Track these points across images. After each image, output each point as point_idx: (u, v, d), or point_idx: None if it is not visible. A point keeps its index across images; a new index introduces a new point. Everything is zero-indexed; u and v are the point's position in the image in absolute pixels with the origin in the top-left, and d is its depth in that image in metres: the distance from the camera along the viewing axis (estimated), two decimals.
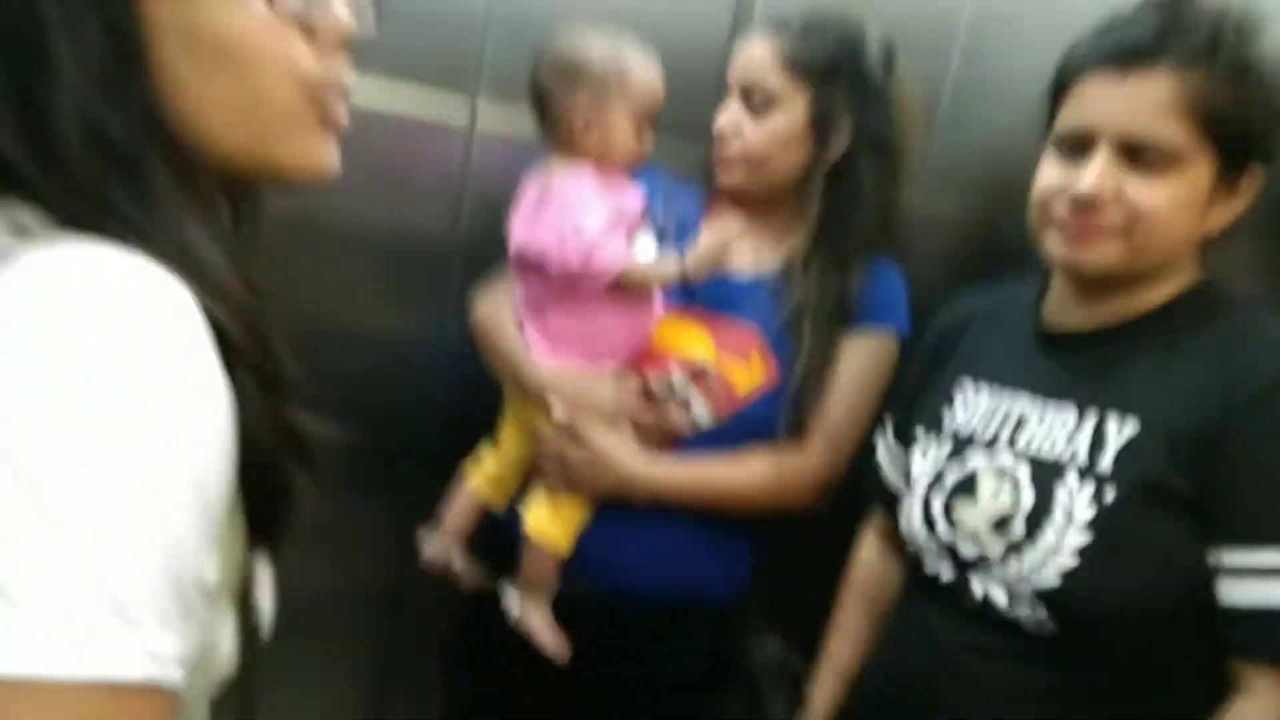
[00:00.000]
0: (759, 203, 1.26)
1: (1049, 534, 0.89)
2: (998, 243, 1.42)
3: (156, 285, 0.43)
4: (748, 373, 1.21)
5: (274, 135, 0.53)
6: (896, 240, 1.25)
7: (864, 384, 1.22)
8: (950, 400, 1.05)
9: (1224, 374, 0.85)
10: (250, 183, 0.56)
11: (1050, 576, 0.88)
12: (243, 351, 0.47)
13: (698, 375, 1.20)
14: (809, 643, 1.25)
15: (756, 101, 1.20)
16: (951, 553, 0.98)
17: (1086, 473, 0.89)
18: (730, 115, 1.22)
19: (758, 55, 1.20)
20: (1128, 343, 0.93)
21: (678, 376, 1.21)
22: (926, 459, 1.04)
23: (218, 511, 0.44)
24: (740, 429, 1.21)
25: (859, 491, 1.22)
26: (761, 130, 1.20)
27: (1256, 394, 0.83)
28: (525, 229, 1.22)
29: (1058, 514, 0.89)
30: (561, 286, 1.20)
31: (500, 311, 1.29)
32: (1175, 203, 0.86)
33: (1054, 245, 0.93)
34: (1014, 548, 0.91)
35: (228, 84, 0.50)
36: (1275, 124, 0.88)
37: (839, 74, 1.19)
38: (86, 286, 0.41)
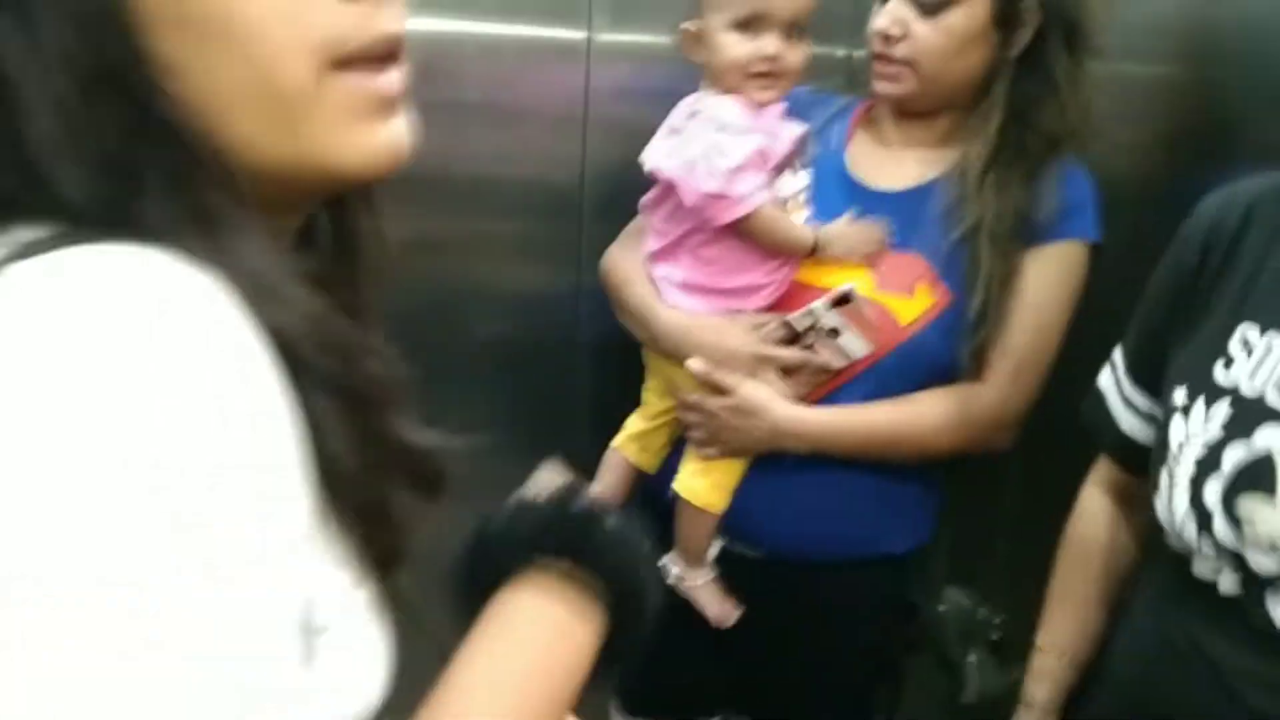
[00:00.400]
0: (924, 111, 1.11)
1: None
2: (1205, 116, 1.19)
3: (180, 284, 0.34)
4: (914, 306, 1.08)
5: (304, 124, 0.40)
6: (1087, 136, 1.07)
7: (1053, 305, 1.08)
8: (1225, 348, 0.81)
9: None
10: (315, 192, 0.45)
11: None
12: (314, 365, 0.38)
13: (843, 301, 1.07)
14: (1002, 595, 1.13)
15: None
16: (1237, 560, 0.76)
17: None
18: (894, 11, 1.06)
19: None
20: None
21: (820, 304, 1.07)
22: (1194, 425, 0.80)
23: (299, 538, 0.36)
24: (912, 368, 1.09)
25: (1052, 425, 1.06)
26: (937, 31, 1.04)
27: None
28: (661, 154, 1.13)
29: None
30: (694, 221, 1.11)
31: (628, 259, 1.21)
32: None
33: None
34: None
35: (232, 66, 0.38)
36: None
37: None
38: (87, 293, 0.32)
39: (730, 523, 1.15)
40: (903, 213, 1.11)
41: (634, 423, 1.24)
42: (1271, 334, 0.78)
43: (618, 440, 1.23)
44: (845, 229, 1.11)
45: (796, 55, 1.08)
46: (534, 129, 1.40)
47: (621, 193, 1.28)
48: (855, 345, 1.08)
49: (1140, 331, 0.94)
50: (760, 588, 1.15)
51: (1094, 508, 1.01)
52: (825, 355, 1.09)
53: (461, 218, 1.41)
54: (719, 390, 1.10)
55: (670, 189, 1.12)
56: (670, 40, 1.15)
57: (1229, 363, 0.80)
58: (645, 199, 1.18)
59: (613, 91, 1.41)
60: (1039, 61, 1.05)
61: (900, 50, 1.07)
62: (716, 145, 1.07)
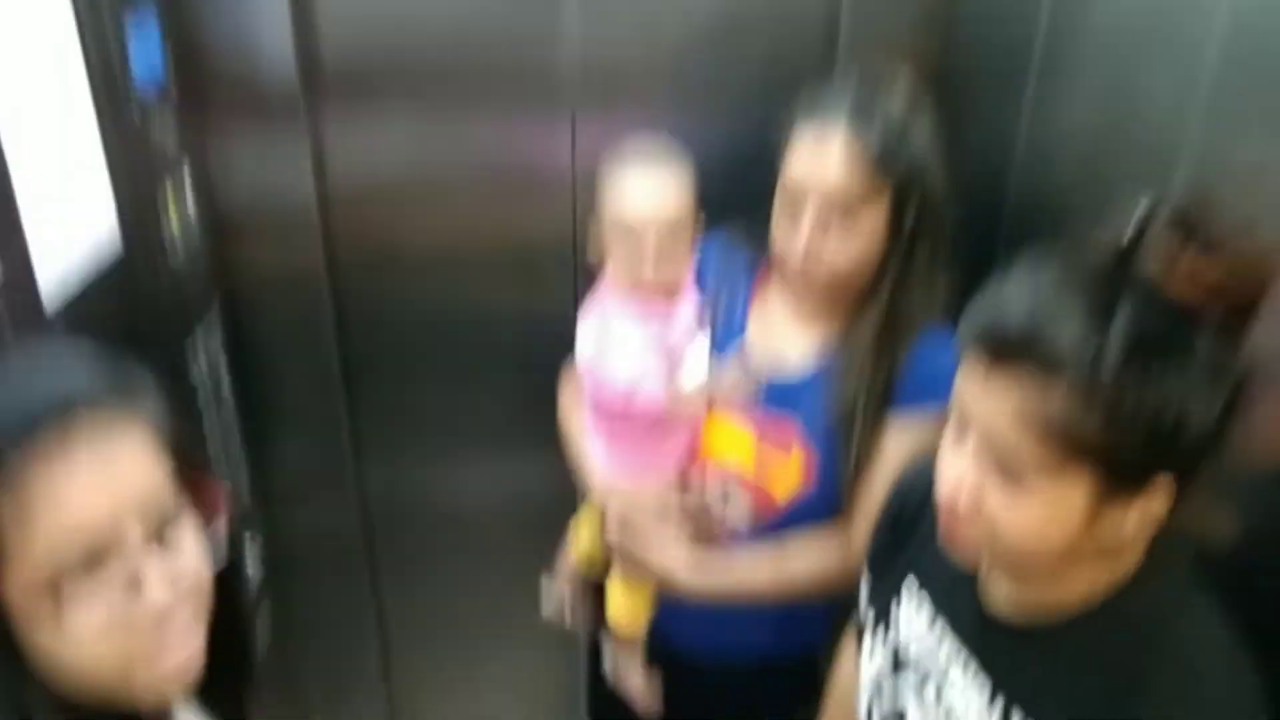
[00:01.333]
0: (824, 296, 1.20)
1: None
2: None
3: None
4: (787, 470, 1.21)
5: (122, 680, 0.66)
6: (948, 307, 1.17)
7: (889, 473, 1.15)
8: (899, 595, 0.96)
9: (1122, 706, 0.75)
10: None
11: None
12: None
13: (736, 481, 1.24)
14: None
15: (841, 211, 1.10)
16: None
17: None
18: (812, 235, 1.12)
19: (841, 160, 1.09)
20: (1048, 637, 0.82)
21: (722, 484, 1.24)
22: (873, 663, 0.99)
23: None
24: (788, 520, 1.23)
25: None
26: (849, 245, 1.12)
27: None
28: (584, 361, 1.27)
29: None
30: (614, 414, 1.25)
31: (574, 410, 1.38)
32: (1034, 520, 0.74)
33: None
34: None
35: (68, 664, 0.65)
36: (1172, 436, 0.70)
37: (914, 153, 1.11)
38: None
39: (656, 621, 1.32)
40: (790, 386, 1.21)
41: (583, 542, 1.37)
42: (925, 597, 0.93)
43: (573, 551, 1.39)
44: (727, 381, 1.22)
45: (673, 270, 1.19)
46: None
47: None
48: (738, 512, 1.26)
49: (877, 534, 1.05)
50: (682, 679, 1.35)
51: (847, 663, 1.16)
52: (714, 512, 1.25)
53: None
54: (632, 541, 1.26)
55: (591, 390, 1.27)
56: None
57: (899, 605, 0.96)
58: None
59: None
60: (914, 248, 1.14)
61: (821, 270, 1.14)
62: (616, 356, 1.20)
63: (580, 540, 1.38)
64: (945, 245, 1.16)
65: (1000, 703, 0.84)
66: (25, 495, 0.60)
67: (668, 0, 1.50)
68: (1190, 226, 0.70)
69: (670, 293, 1.21)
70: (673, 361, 1.21)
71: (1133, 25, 1.13)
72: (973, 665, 0.88)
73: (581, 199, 1.58)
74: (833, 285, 1.17)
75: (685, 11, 1.51)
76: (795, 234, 1.13)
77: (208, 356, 1.48)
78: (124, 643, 0.64)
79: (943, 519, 0.81)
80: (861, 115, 1.10)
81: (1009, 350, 0.71)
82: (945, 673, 0.90)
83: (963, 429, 0.77)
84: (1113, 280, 0.71)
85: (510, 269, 1.64)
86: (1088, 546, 0.75)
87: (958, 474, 0.77)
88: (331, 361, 1.66)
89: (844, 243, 1.12)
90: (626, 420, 1.23)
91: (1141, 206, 0.72)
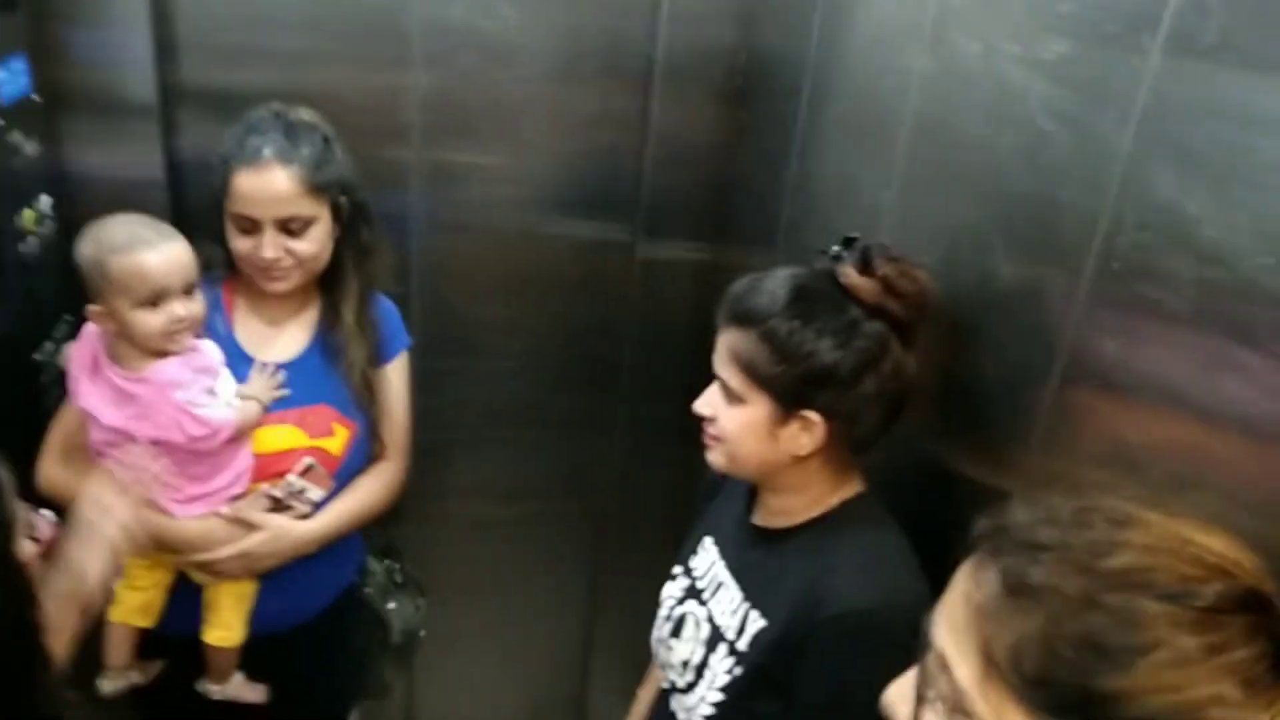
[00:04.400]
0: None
1: (701, 687, 1.14)
2: None
3: None
4: (337, 441, 1.48)
5: None
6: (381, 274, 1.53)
7: (407, 399, 1.58)
8: (697, 548, 1.26)
9: (815, 593, 1.03)
10: None
11: (701, 717, 1.14)
12: None
13: (306, 471, 1.45)
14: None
15: (296, 224, 1.36)
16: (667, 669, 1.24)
17: (731, 648, 1.11)
18: (276, 246, 1.36)
19: (284, 185, 1.34)
20: (779, 546, 1.12)
21: (293, 478, 1.44)
22: (668, 601, 1.27)
23: None
24: (349, 475, 1.52)
25: None
26: (309, 245, 1.38)
27: (825, 622, 1.00)
28: (124, 418, 1.31)
29: (708, 674, 1.13)
30: (184, 456, 1.34)
31: (100, 484, 1.27)
32: (743, 428, 1.07)
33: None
34: (682, 690, 1.19)
35: None
36: (815, 381, 1.03)
37: (337, 170, 1.40)
38: None
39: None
40: (301, 375, 1.46)
41: (130, 598, 1.42)
42: (712, 543, 1.24)
43: (117, 616, 1.42)
44: (257, 386, 1.41)
45: (198, 306, 1.32)
46: None
47: None
48: (315, 494, 1.47)
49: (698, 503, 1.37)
50: (271, 656, 1.52)
51: None
52: (300, 507, 1.45)
53: None
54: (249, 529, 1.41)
55: (126, 437, 1.30)
56: None
57: (696, 553, 1.26)
58: (96, 443, 1.34)
59: None
60: (359, 239, 1.46)
61: (289, 276, 1.39)
62: (188, 401, 1.30)
63: (129, 597, 1.42)
64: (375, 227, 1.48)
65: (741, 602, 1.12)
66: None
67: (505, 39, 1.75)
68: (868, 253, 1.06)
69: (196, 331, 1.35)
70: (214, 389, 1.35)
71: (855, 108, 1.44)
72: (730, 578, 1.16)
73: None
74: (303, 279, 1.43)
75: (527, 48, 1.76)
76: (260, 249, 1.36)
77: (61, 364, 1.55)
78: None
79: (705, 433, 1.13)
80: (290, 150, 1.36)
81: (728, 314, 1.09)
82: (715, 589, 1.18)
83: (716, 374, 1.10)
84: (806, 274, 1.08)
85: None
86: (780, 454, 1.08)
87: (708, 400, 1.12)
88: None
89: (306, 245, 1.39)
90: (196, 455, 1.35)
91: (842, 240, 1.09)
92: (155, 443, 1.31)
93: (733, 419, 1.08)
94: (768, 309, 1.04)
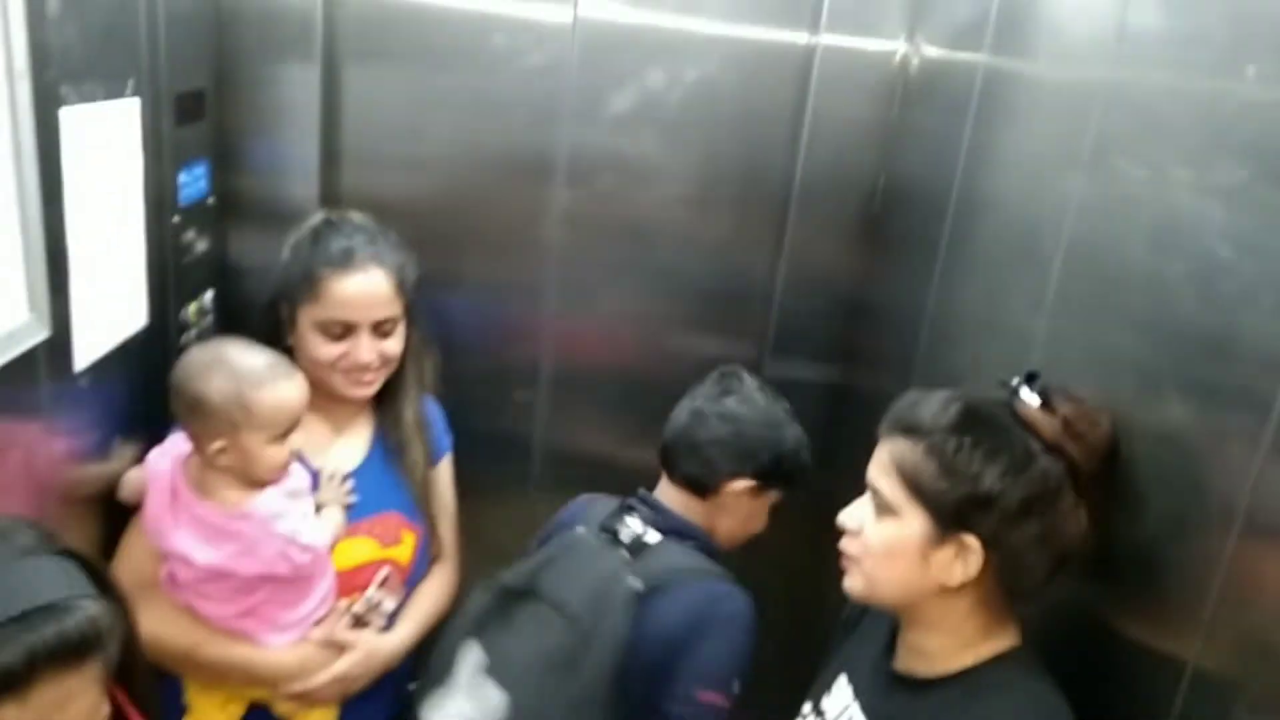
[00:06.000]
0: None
1: None
2: None
3: None
4: (406, 549, 1.46)
5: None
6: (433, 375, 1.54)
7: (454, 500, 1.58)
8: (830, 687, 1.17)
9: None
10: None
11: None
12: None
13: (383, 582, 1.43)
14: None
15: (389, 325, 1.40)
16: None
17: None
18: (370, 350, 1.37)
19: (386, 288, 1.37)
20: (923, 697, 1.02)
21: (371, 591, 1.41)
22: None
23: None
24: (414, 582, 1.51)
25: None
26: (398, 345, 1.42)
27: None
28: (223, 557, 1.24)
29: None
30: (279, 584, 1.30)
31: (179, 624, 1.28)
32: (892, 544, 0.99)
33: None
34: None
35: None
36: (980, 504, 0.95)
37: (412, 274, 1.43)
38: None
39: None
40: (366, 482, 1.42)
41: None
42: (849, 687, 1.14)
43: None
44: (329, 494, 1.38)
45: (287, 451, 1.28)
46: None
47: None
48: (390, 604, 1.45)
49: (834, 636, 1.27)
50: None
51: None
52: (377, 621, 1.42)
53: None
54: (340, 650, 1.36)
55: (224, 574, 1.25)
56: None
57: (830, 694, 1.15)
58: (182, 583, 1.27)
59: None
60: (418, 347, 1.47)
61: (376, 374, 1.41)
62: (293, 531, 1.25)
63: None
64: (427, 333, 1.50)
65: None
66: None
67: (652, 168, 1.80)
68: (1045, 393, 1.01)
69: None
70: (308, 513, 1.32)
71: (1003, 234, 1.39)
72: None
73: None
74: (383, 381, 1.43)
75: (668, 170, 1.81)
76: (356, 352, 1.37)
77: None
78: None
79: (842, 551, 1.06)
80: (381, 251, 1.39)
81: (894, 424, 1.02)
82: None
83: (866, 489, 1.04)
84: (982, 399, 1.02)
85: None
86: (928, 581, 0.99)
87: (855, 513, 1.05)
88: None
89: (395, 345, 1.41)
90: (291, 581, 1.30)
91: (1025, 375, 1.04)
92: (259, 578, 1.27)
93: (881, 533, 1.01)
94: (941, 423, 0.98)
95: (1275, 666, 0.80)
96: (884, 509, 1.01)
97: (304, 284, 1.35)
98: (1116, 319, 1.09)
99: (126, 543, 1.32)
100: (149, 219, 1.37)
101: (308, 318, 1.36)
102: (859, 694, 1.11)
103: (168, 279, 1.46)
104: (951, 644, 1.02)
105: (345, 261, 1.34)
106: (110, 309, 1.28)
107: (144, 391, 1.37)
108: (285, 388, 1.24)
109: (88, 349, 1.21)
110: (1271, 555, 0.84)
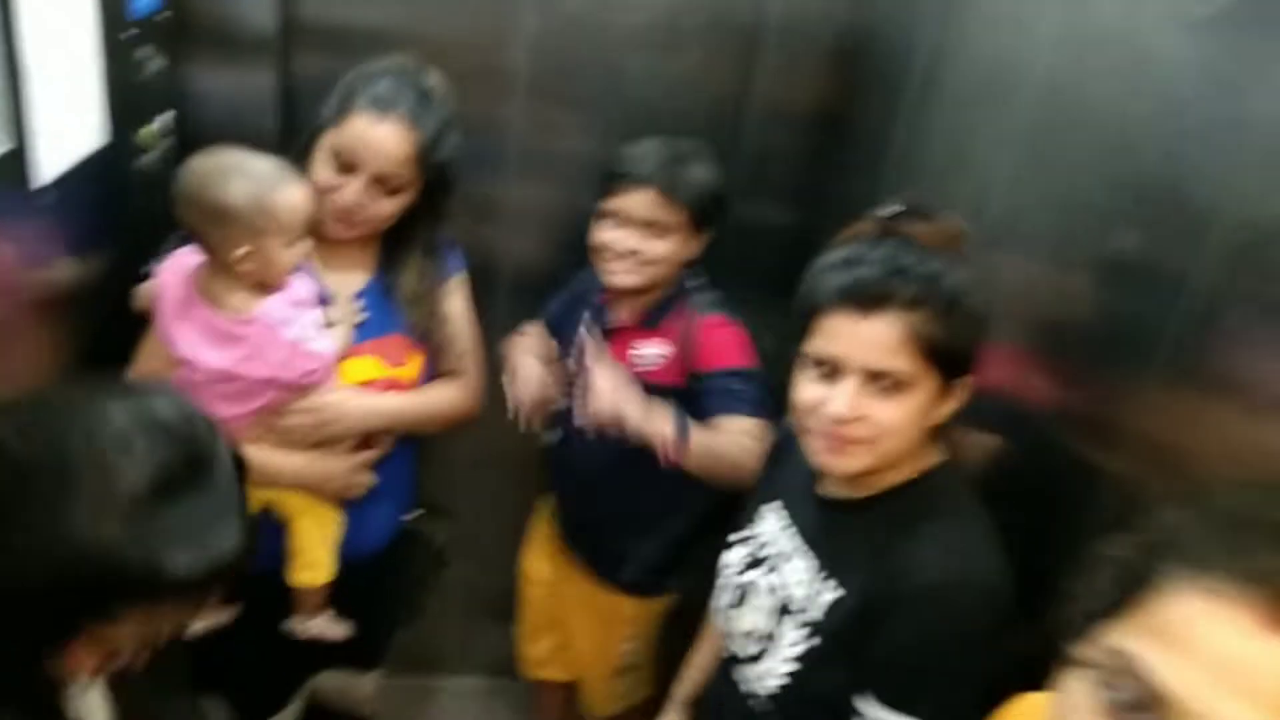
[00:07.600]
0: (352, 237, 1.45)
1: (769, 658, 1.11)
2: None
3: None
4: (411, 369, 1.49)
5: None
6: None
7: (470, 317, 1.58)
8: (761, 511, 1.23)
9: (898, 564, 1.00)
10: None
11: (770, 686, 1.11)
12: None
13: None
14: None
15: (390, 183, 1.39)
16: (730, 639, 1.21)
17: (804, 618, 1.07)
18: (357, 195, 1.37)
19: (399, 141, 1.36)
20: (859, 515, 1.07)
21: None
22: (731, 566, 1.24)
23: None
24: None
25: None
26: (392, 206, 1.41)
27: (908, 594, 0.98)
28: (230, 361, 1.29)
29: (777, 644, 1.10)
30: (289, 392, 1.35)
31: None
32: (909, 416, 1.00)
33: (813, 451, 1.05)
34: (745, 659, 1.16)
35: None
36: (979, 342, 1.03)
37: (448, 151, 1.41)
38: None
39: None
40: (371, 307, 1.45)
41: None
42: (779, 508, 1.19)
43: None
44: (340, 311, 1.41)
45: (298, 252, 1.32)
46: None
47: None
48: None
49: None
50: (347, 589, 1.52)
51: None
52: None
53: None
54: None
55: (232, 377, 1.30)
56: None
57: (760, 518, 1.22)
58: (193, 386, 1.30)
59: None
60: (437, 204, 1.47)
61: (357, 219, 1.40)
62: (299, 338, 1.31)
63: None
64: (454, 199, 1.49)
65: (816, 572, 1.09)
66: None
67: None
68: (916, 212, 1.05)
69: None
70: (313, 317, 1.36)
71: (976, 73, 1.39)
72: (804, 545, 1.13)
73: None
74: (363, 233, 1.44)
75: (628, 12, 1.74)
76: (343, 191, 1.37)
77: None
78: None
79: (827, 439, 1.03)
80: (420, 115, 1.36)
81: (876, 298, 0.98)
82: (786, 556, 1.14)
83: (833, 371, 1.01)
84: (907, 242, 1.02)
85: None
86: (919, 432, 1.02)
87: (842, 403, 1.00)
88: None
89: (387, 207, 1.40)
90: (294, 394, 1.35)
91: (892, 202, 1.07)
92: (265, 382, 1.32)
93: (896, 413, 0.99)
94: (940, 284, 0.98)
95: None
96: (894, 387, 0.98)
97: (339, 106, 1.37)
98: (1079, 158, 1.12)
99: (144, 347, 1.39)
100: (103, 30, 1.31)
101: (327, 140, 1.37)
102: (795, 520, 1.17)
103: (126, 97, 1.41)
104: (890, 468, 1.06)
105: (380, 106, 1.35)
106: (69, 123, 1.25)
107: (105, 209, 1.35)
108: (297, 189, 1.28)
109: (50, 165, 1.19)
110: (1199, 390, 0.91)
